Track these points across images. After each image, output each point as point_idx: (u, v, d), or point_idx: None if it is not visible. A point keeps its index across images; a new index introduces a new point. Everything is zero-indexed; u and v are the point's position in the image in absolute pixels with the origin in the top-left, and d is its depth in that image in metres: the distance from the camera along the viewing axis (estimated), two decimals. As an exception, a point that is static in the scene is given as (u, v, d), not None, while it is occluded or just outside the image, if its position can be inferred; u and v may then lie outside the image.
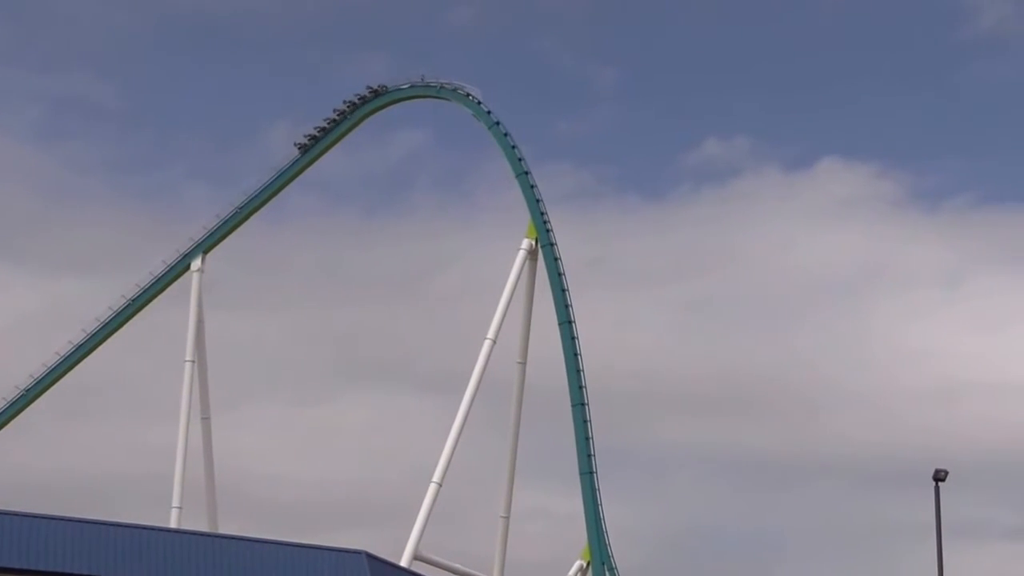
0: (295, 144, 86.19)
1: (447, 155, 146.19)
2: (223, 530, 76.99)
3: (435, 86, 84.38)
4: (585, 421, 75.06)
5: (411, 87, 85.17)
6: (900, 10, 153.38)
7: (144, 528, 49.85)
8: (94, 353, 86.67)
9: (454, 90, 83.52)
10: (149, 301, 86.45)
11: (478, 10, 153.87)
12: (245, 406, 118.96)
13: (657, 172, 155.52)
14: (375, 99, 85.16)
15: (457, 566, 75.51)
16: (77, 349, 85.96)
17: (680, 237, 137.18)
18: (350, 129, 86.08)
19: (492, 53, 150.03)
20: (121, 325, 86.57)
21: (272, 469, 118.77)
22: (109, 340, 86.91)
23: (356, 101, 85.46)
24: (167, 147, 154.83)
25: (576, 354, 76.01)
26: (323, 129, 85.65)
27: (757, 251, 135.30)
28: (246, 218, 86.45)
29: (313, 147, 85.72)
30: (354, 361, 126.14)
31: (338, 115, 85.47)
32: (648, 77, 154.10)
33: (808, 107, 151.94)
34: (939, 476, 49.52)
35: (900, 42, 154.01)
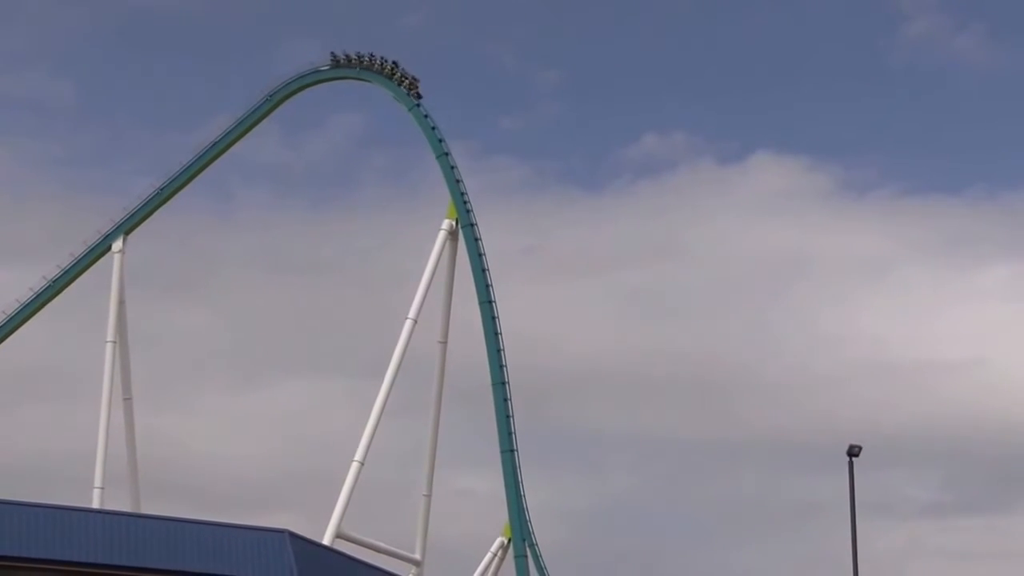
0: (331, 53, 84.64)
1: (390, 140, 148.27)
2: (146, 511, 77.18)
3: (356, 67, 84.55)
4: (506, 399, 75.94)
5: (332, 69, 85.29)
6: (832, 14, 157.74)
7: (65, 508, 49.94)
8: (15, 334, 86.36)
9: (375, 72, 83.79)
10: (71, 282, 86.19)
11: (428, 16, 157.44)
12: (174, 390, 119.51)
13: (596, 166, 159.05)
14: (295, 80, 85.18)
15: (379, 544, 76.02)
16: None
17: (618, 227, 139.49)
18: (270, 111, 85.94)
19: (441, 56, 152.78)
20: (42, 306, 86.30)
21: (200, 452, 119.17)
22: (31, 321, 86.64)
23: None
24: (116, 143, 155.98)
25: (496, 333, 76.85)
26: (360, 55, 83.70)
27: (692, 241, 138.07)
28: (167, 199, 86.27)
29: (344, 64, 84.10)
30: (287, 348, 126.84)
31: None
32: (589, 78, 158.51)
33: (742, 104, 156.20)
34: (853, 452, 50.46)
35: (831, 43, 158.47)
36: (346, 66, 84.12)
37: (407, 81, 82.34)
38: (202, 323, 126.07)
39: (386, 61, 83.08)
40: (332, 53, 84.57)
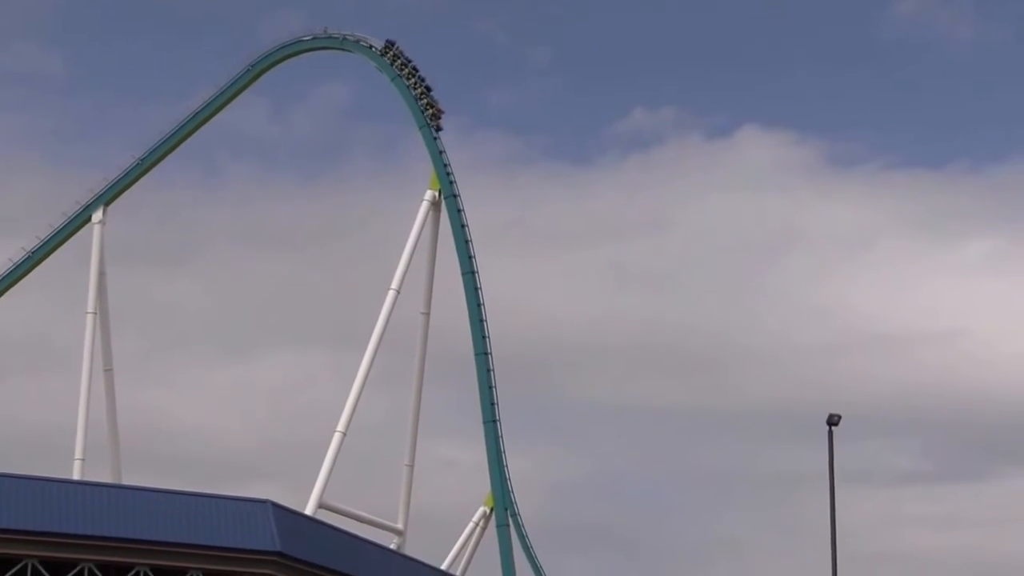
0: (386, 40, 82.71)
1: (378, 112, 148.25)
2: (127, 482, 77.12)
3: (338, 37, 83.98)
4: (488, 370, 75.96)
5: (313, 39, 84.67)
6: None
7: (47, 480, 49.89)
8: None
9: (356, 42, 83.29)
10: (50, 253, 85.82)
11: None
12: (157, 361, 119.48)
13: (585, 140, 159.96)
14: (277, 51, 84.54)
15: (362, 514, 76.01)
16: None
17: (605, 201, 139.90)
18: (252, 80, 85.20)
19: (432, 29, 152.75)
20: (22, 277, 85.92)
21: (183, 423, 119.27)
22: (10, 292, 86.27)
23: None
24: (104, 115, 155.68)
25: (479, 304, 76.81)
26: (408, 60, 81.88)
27: (680, 214, 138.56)
28: (148, 169, 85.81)
29: (391, 50, 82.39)
30: (269, 319, 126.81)
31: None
32: (579, 53, 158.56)
33: (730, 79, 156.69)
34: (832, 421, 50.50)
35: (818, 19, 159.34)
36: (388, 57, 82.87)
37: (432, 110, 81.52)
38: (185, 294, 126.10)
39: (421, 81, 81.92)
40: (387, 40, 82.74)
